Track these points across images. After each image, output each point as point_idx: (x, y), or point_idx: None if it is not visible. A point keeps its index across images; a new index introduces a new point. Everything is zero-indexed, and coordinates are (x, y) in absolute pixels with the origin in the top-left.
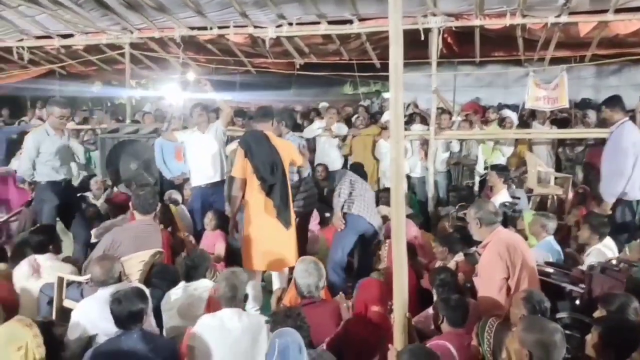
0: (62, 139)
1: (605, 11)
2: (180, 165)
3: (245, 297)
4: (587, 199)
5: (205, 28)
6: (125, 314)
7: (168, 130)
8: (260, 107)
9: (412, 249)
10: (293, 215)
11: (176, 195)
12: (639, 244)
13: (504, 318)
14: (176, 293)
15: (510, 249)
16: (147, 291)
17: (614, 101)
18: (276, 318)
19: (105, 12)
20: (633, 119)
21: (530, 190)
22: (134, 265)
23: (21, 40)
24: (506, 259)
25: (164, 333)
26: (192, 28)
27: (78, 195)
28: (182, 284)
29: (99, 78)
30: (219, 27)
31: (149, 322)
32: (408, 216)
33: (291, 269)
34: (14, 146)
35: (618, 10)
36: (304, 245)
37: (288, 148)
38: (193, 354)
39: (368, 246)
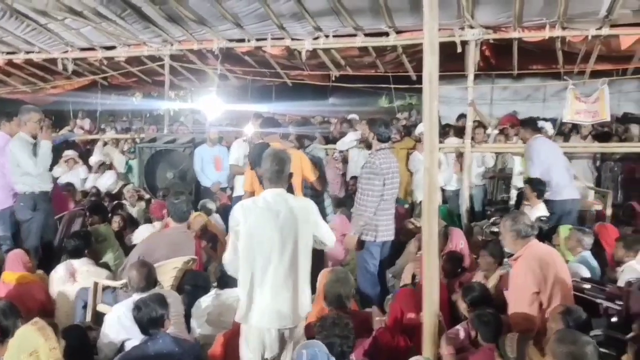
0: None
1: None
2: (218, 174)
3: (290, 175)
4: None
5: (243, 40)
6: (146, 320)
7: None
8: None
9: (459, 259)
10: None
11: (210, 204)
12: None
13: (536, 333)
14: (207, 301)
15: (542, 263)
16: (175, 297)
17: None
18: (324, 324)
19: (146, 25)
20: None
21: None
22: (167, 271)
23: (66, 52)
24: (538, 272)
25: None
26: (231, 40)
27: (115, 202)
28: (213, 291)
29: (139, 89)
30: (257, 40)
31: (181, 328)
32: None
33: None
34: (55, 154)
35: None
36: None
37: (298, 161)
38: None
39: None
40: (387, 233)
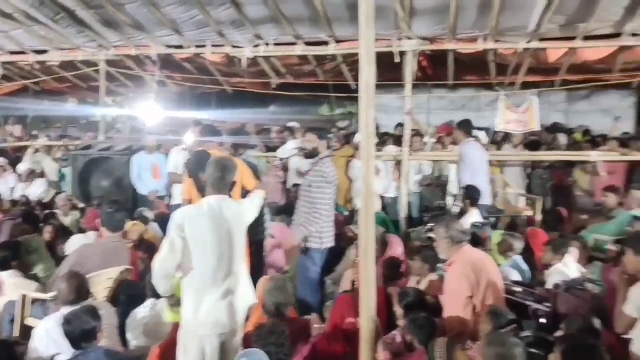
0: None
1: (574, 38)
2: (156, 182)
3: (233, 184)
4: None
5: (182, 47)
6: (77, 334)
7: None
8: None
9: (398, 265)
10: None
11: (148, 213)
12: (601, 265)
13: (469, 336)
14: (143, 312)
15: (475, 268)
16: (107, 308)
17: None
18: (260, 332)
19: (81, 29)
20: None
21: (500, 211)
22: (102, 282)
23: None
24: (471, 277)
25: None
26: (169, 46)
27: (47, 212)
28: (150, 302)
29: (74, 95)
30: (196, 46)
31: (114, 340)
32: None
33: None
34: None
35: (587, 38)
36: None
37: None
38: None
39: None
40: (330, 240)
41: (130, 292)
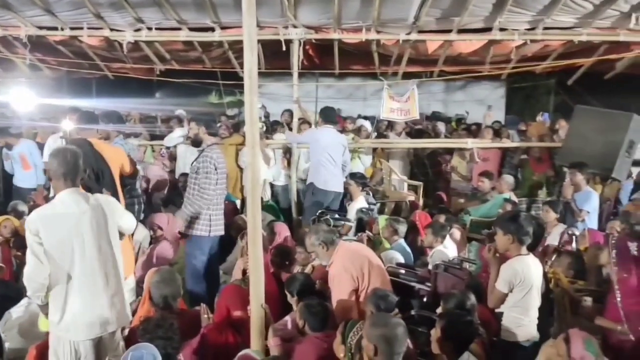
0: None
1: (449, 31)
2: (26, 173)
3: (85, 171)
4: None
5: (55, 28)
6: None
7: None
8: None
9: (287, 252)
10: None
11: (22, 206)
12: (478, 245)
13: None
14: (18, 311)
15: (354, 259)
16: None
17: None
18: (147, 326)
19: None
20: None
21: (385, 197)
22: None
23: None
24: (351, 270)
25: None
26: (41, 28)
27: None
28: (25, 300)
29: None
30: (71, 28)
31: None
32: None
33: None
34: None
35: (461, 31)
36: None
37: (117, 154)
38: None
39: None
40: (219, 227)
41: (3, 292)
